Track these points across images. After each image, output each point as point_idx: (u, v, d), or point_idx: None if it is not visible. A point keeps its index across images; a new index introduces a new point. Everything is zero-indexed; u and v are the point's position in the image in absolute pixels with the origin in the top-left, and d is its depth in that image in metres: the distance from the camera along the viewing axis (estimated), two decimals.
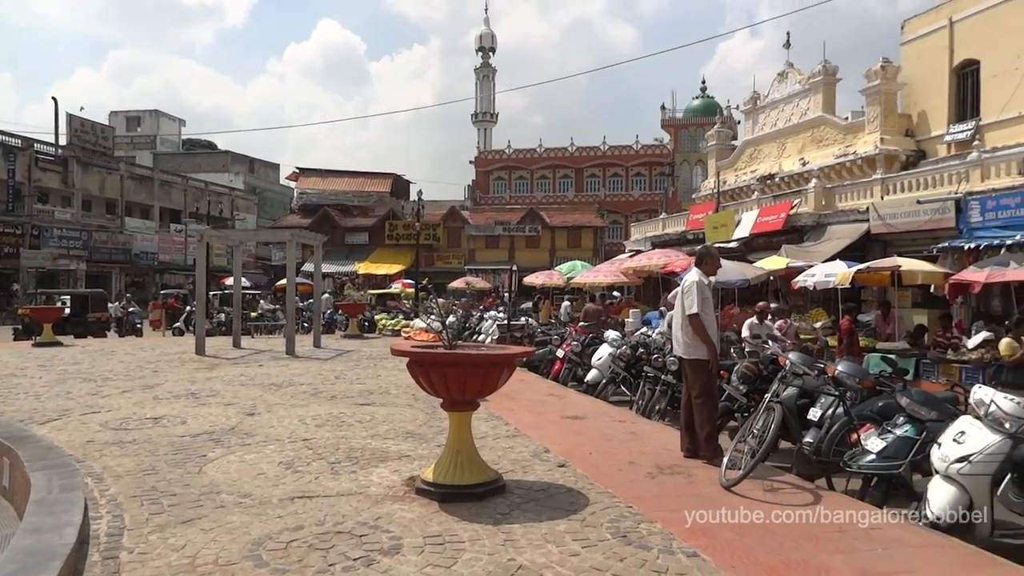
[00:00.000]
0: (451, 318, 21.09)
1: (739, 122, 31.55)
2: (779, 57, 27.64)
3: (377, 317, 24.94)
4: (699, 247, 8.09)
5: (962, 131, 19.46)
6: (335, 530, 4.17)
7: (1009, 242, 13.01)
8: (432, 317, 6.02)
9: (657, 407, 9.13)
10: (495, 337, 14.13)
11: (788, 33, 41.45)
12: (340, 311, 24.43)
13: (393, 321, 23.73)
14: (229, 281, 26.70)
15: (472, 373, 4.78)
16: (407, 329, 20.01)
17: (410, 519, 4.41)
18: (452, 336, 5.31)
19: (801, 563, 3.94)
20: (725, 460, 5.54)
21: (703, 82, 75.28)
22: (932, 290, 14.10)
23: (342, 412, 8.15)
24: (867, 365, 9.67)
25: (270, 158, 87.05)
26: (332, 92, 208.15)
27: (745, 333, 10.90)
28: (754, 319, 11.24)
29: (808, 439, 6.27)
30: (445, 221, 46.17)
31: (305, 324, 23.11)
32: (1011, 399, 5.03)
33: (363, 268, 42.65)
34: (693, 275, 6.31)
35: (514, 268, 25.28)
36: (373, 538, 4.06)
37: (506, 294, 24.35)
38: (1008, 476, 4.84)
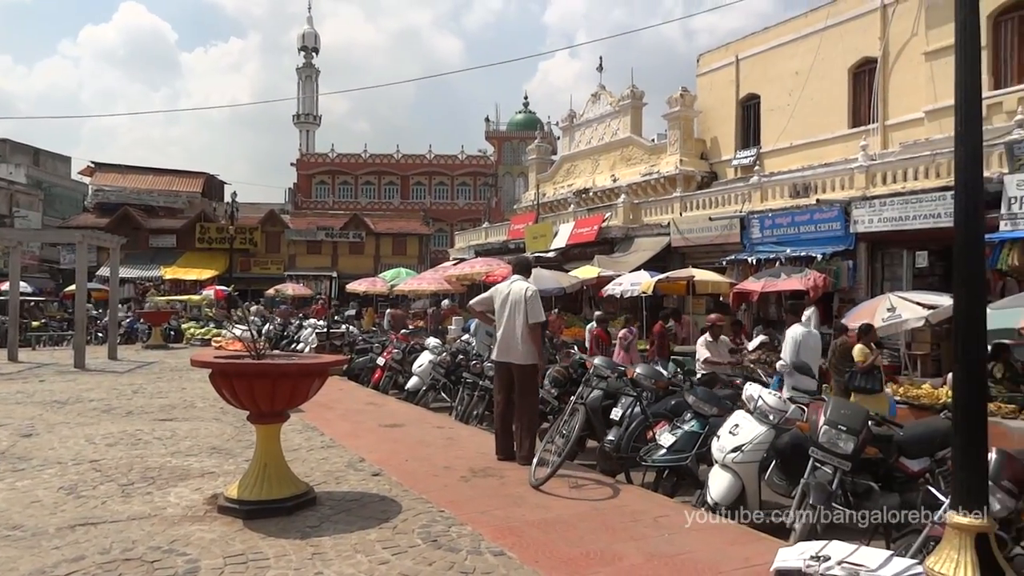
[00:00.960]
0: (268, 326, 20.13)
1: (558, 138, 33.05)
2: (595, 79, 29.43)
3: (185, 326, 23.21)
4: (518, 256, 8.42)
5: (746, 157, 21.86)
6: (123, 558, 3.86)
7: (782, 256, 14.81)
8: (239, 325, 5.76)
9: (475, 412, 9.31)
10: (313, 346, 13.69)
11: (601, 58, 44.08)
12: (141, 319, 22.44)
13: (203, 330, 22.21)
14: (5, 287, 23.57)
15: (281, 383, 4.63)
16: (219, 339, 18.83)
17: (210, 539, 4.18)
18: (269, 345, 5.13)
19: (598, 553, 4.23)
20: (535, 460, 5.81)
21: (526, 98, 77.85)
22: (721, 298, 15.68)
23: (139, 429, 7.52)
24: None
25: (61, 150, 78.01)
26: (137, 81, 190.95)
27: (704, 354, 9.41)
28: (707, 336, 9.67)
29: (610, 437, 6.73)
30: (263, 225, 43.89)
31: (99, 334, 20.96)
32: (775, 394, 5.74)
33: (170, 273, 39.43)
34: (527, 284, 6.56)
35: (334, 275, 24.67)
36: (167, 563, 3.80)
37: (321, 300, 23.74)
38: (773, 462, 5.52)
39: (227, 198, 43.18)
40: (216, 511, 4.68)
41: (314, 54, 73.24)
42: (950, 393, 9.25)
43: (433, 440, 7.47)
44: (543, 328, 7.11)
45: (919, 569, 3.48)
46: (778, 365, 7.48)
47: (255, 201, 51.63)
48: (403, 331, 14.61)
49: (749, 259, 15.71)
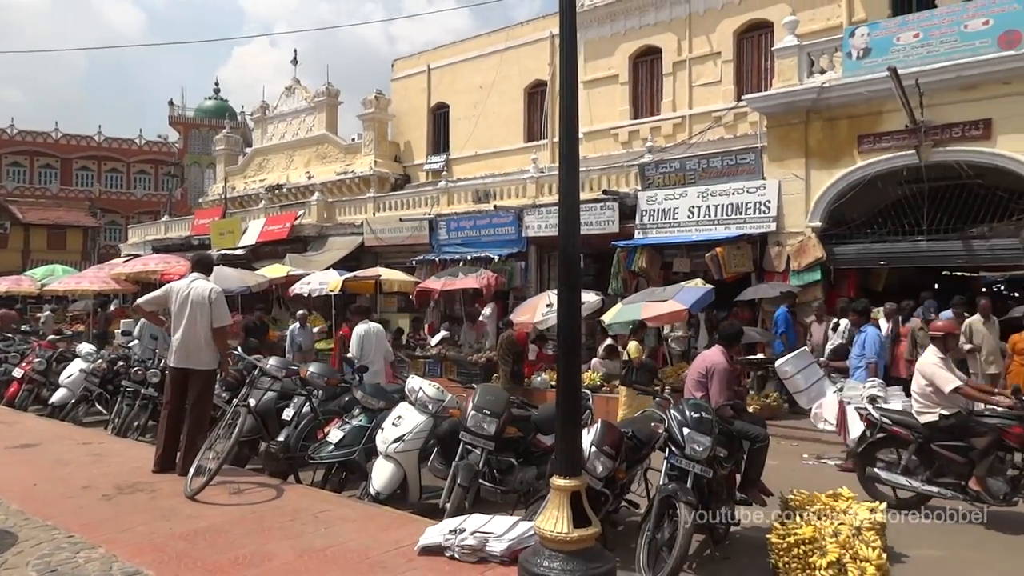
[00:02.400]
0: None
1: (253, 129, 31.24)
2: (292, 71, 28.39)
3: None
4: (199, 253, 7.87)
5: (436, 162, 22.90)
6: None
7: (466, 257, 15.82)
8: None
9: (136, 423, 8.47)
10: None
11: (296, 51, 42.72)
12: None
13: None
14: None
15: None
16: None
17: None
18: None
19: (248, 556, 4.15)
20: (192, 469, 5.48)
21: (216, 84, 72.70)
22: (410, 296, 16.25)
23: None
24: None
25: None
26: None
27: (939, 366, 5.89)
28: (938, 353, 6.03)
29: (280, 438, 6.60)
30: None
31: None
32: (435, 386, 6.15)
33: None
34: (211, 284, 6.16)
35: None
36: None
37: None
38: (435, 449, 5.91)
39: None
40: None
41: None
42: (593, 377, 10.78)
43: (75, 458, 6.63)
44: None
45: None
46: (347, 357, 8.52)
47: None
48: (50, 337, 12.67)
49: (436, 259, 16.50)
